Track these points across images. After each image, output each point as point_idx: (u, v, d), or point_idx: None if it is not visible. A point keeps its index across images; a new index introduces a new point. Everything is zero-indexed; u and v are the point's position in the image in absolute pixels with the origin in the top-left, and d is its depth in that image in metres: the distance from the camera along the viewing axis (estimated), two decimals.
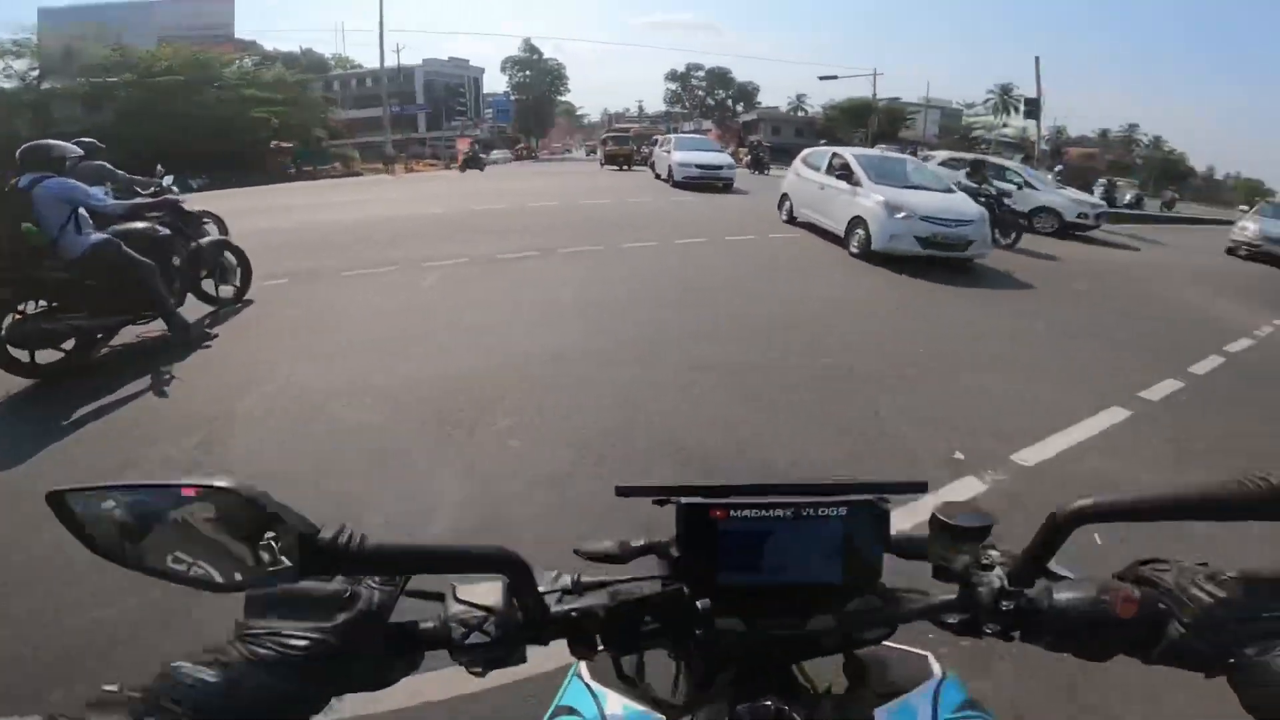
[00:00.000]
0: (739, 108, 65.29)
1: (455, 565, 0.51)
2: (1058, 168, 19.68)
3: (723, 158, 17.61)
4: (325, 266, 6.88)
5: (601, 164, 26.11)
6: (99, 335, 4.33)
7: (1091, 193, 16.29)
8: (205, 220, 5.86)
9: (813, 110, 60.96)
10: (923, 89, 67.01)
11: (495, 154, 46.07)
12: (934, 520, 0.57)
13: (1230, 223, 16.12)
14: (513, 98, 60.64)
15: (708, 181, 16.09)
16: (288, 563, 0.43)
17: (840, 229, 8.86)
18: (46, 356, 4.05)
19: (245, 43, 40.56)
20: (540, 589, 0.54)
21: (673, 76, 68.26)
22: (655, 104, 73.35)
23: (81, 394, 3.75)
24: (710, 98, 67.71)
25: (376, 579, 0.50)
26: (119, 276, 4.28)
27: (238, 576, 0.43)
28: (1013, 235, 10.36)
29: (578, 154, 55.39)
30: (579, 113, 78.09)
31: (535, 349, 4.62)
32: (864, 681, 0.61)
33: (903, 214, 7.91)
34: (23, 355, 3.94)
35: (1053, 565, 0.53)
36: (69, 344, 4.14)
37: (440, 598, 0.54)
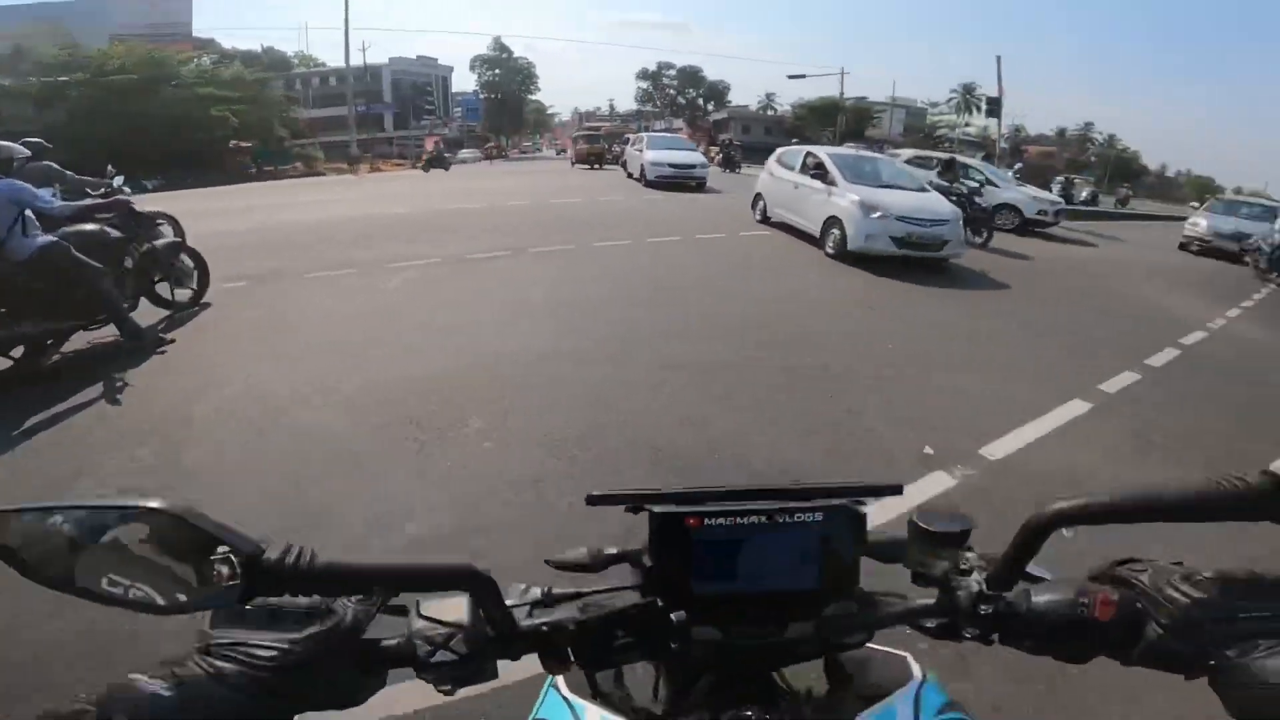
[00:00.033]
0: (709, 106, 65.66)
1: (415, 583, 0.49)
2: (1017, 165, 20.15)
3: (696, 157, 17.47)
4: (287, 268, 6.71)
5: (573, 163, 26.02)
6: (49, 341, 4.16)
7: (1050, 190, 16.73)
8: (159, 222, 5.67)
9: (782, 109, 61.67)
10: (889, 88, 68.21)
11: (464, 153, 45.60)
12: (912, 526, 0.57)
13: (1182, 219, 16.76)
14: (482, 96, 60.05)
15: (681, 181, 15.98)
16: (233, 584, 0.42)
17: (815, 229, 8.81)
18: None
19: (203, 40, 39.58)
20: (509, 602, 0.53)
21: (644, 75, 68.41)
22: (626, 103, 73.51)
23: (32, 402, 3.60)
24: (681, 96, 67.97)
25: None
26: (68, 280, 4.12)
27: (180, 598, 0.42)
28: (984, 234, 10.38)
29: (548, 153, 55.13)
30: (550, 111, 77.71)
31: (506, 349, 4.57)
32: (844, 684, 0.61)
33: (878, 214, 7.88)
34: None
35: (1030, 566, 0.53)
36: (18, 351, 3.99)
37: (407, 612, 0.52)
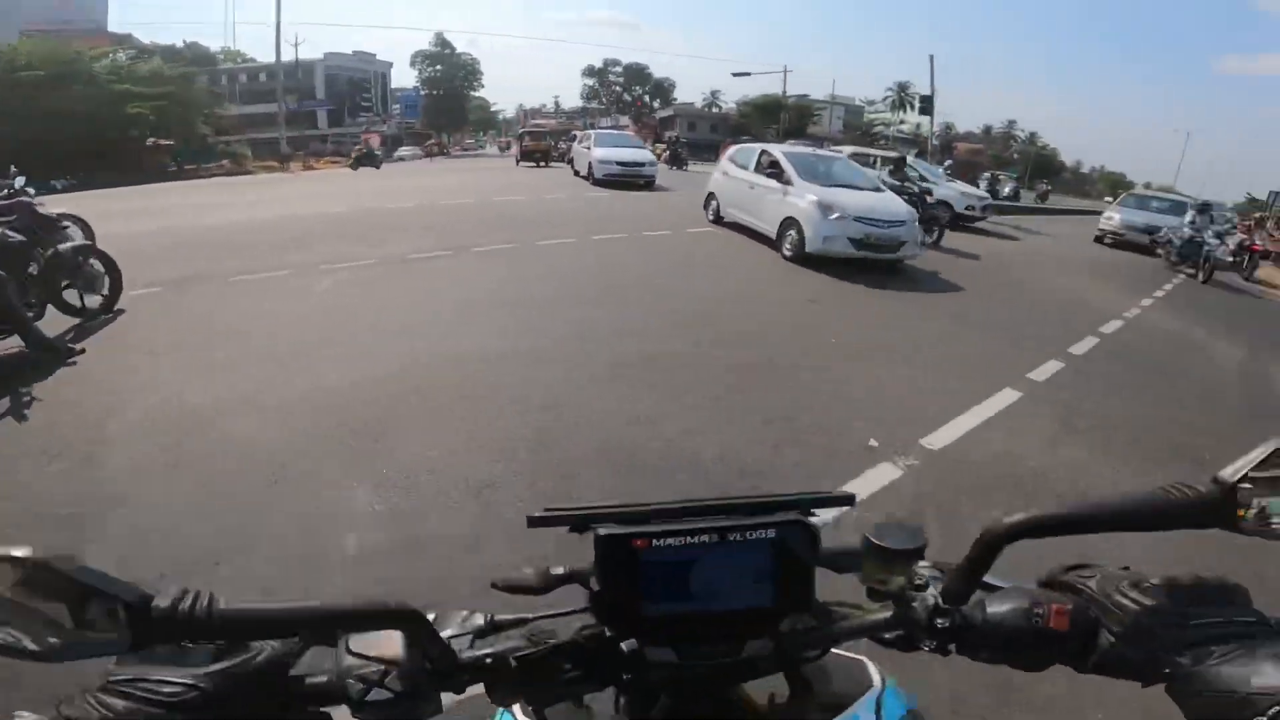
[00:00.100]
0: (656, 104, 65.90)
1: (336, 626, 0.46)
2: (947, 162, 21.04)
3: (645, 154, 17.30)
4: (209, 272, 6.33)
5: (518, 161, 25.59)
6: None
7: (977, 186, 17.50)
8: (65, 224, 5.29)
9: (727, 107, 62.50)
10: (829, 86, 70.00)
11: (403, 150, 44.41)
12: (866, 543, 0.55)
13: (1096, 213, 17.82)
14: (423, 93, 58.53)
15: (629, 179, 15.87)
16: (116, 633, 0.40)
17: (772, 230, 8.56)
18: None
19: (119, 36, 37.39)
20: (449, 632, 0.50)
21: (590, 72, 68.14)
22: (572, 100, 73.01)
23: None
24: (628, 94, 67.97)
25: None
26: None
27: (55, 643, 0.39)
28: (936, 233, 10.29)
29: (491, 151, 54.26)
30: (494, 108, 76.45)
31: (447, 352, 4.44)
32: (805, 694, 0.60)
33: (836, 214, 7.69)
34: None
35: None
36: None
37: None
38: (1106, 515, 0.46)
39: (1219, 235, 11.19)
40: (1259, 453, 0.43)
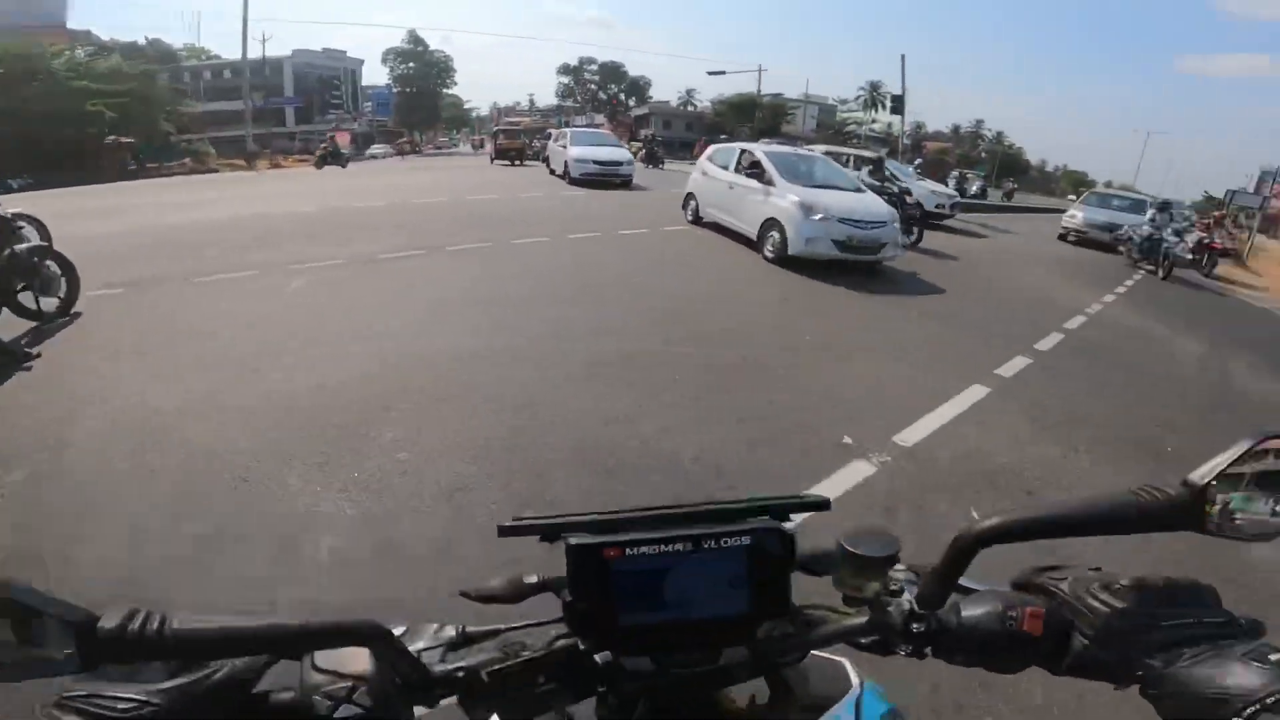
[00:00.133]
0: (631, 102, 65.82)
1: (295, 644, 0.44)
2: (917, 161, 21.39)
3: (622, 153, 17.02)
4: (172, 272, 6.14)
5: (492, 159, 25.34)
6: None
7: (946, 184, 17.82)
8: (21, 225, 5.10)
9: (702, 105, 62.69)
10: (803, 85, 70.65)
11: (375, 148, 43.74)
12: (841, 550, 0.56)
13: (1060, 211, 18.26)
14: (395, 90, 57.67)
15: (607, 178, 15.63)
16: (68, 653, 0.39)
17: (752, 231, 8.40)
18: None
19: (78, 33, 36.23)
20: (419, 645, 0.49)
21: (565, 70, 67.78)
22: (547, 98, 72.54)
23: None
24: (603, 92, 67.77)
25: None
26: None
27: (2, 662, 0.39)
28: (915, 233, 10.19)
29: (464, 149, 53.70)
30: (467, 106, 75.62)
31: (420, 353, 4.37)
32: (785, 695, 0.60)
33: (819, 215, 7.56)
34: None
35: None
36: None
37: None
38: (1077, 520, 0.47)
39: (1178, 233, 11.55)
40: (1228, 455, 0.43)
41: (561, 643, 0.52)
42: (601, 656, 0.52)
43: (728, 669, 0.56)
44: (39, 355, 4.16)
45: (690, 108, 63.66)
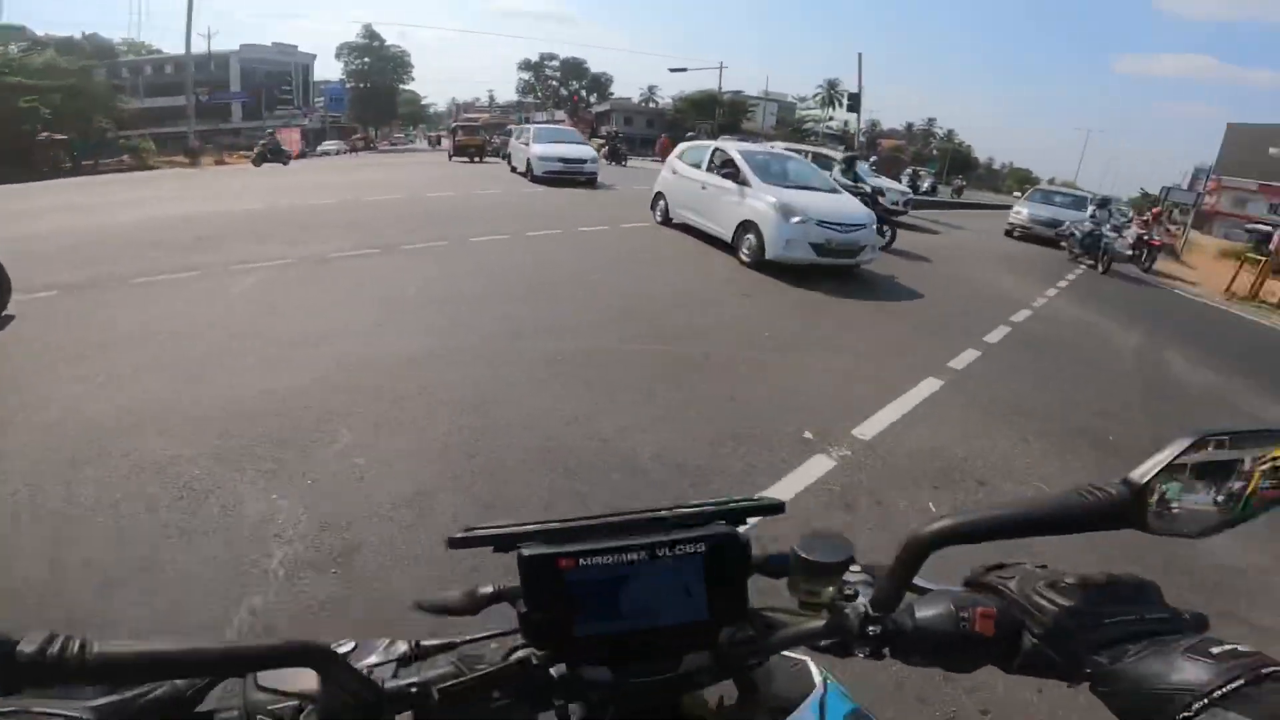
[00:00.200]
0: (593, 99, 65.53)
1: (230, 668, 0.42)
2: (873, 158, 21.77)
3: (586, 150, 16.42)
4: (109, 274, 5.86)
5: (450, 156, 24.90)
6: None
7: (900, 181, 18.24)
8: None
9: (663, 102, 62.80)
10: (763, 82, 71.46)
11: (327, 145, 42.58)
12: (794, 556, 0.56)
13: (1007, 207, 18.91)
14: (349, 86, 56.14)
15: (571, 177, 15.24)
16: None
17: (727, 234, 8.07)
18: None
19: (12, 28, 34.22)
20: (371, 661, 0.48)
21: (526, 66, 67.13)
22: (507, 94, 71.82)
23: None
24: (564, 88, 67.28)
25: None
26: None
27: None
28: (888, 234, 10.00)
29: (421, 145, 52.67)
30: (425, 102, 74.17)
31: (375, 355, 4.27)
32: (751, 696, 0.60)
33: (798, 218, 7.24)
34: None
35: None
36: None
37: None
38: (1024, 521, 0.47)
39: (1117, 229, 12.07)
40: (1167, 454, 0.44)
41: (518, 655, 0.51)
42: (558, 669, 0.51)
43: (688, 675, 0.56)
44: None
45: (652, 104, 63.73)
